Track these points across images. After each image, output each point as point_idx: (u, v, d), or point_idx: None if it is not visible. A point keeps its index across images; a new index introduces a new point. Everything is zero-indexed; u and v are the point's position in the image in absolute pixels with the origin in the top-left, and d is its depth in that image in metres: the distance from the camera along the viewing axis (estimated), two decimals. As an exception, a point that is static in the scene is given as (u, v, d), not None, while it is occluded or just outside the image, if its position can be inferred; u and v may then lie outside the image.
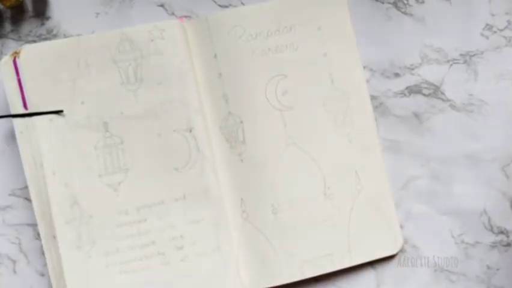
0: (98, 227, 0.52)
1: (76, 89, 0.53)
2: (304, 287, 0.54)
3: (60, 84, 0.52)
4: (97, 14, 0.55)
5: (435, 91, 0.56)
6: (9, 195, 0.54)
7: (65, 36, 0.54)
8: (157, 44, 0.53)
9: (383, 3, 0.56)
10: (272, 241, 0.53)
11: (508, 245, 0.55)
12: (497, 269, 0.55)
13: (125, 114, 0.53)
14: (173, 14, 0.55)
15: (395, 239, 0.55)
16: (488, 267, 0.55)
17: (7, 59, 0.52)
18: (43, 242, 0.52)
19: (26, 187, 0.53)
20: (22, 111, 0.52)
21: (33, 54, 0.52)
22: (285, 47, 0.55)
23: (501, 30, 0.56)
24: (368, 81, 0.56)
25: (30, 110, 0.52)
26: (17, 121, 0.52)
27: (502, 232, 0.55)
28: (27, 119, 0.52)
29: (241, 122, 0.54)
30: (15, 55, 0.52)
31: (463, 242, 0.55)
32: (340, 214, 0.54)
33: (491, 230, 0.56)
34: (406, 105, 0.56)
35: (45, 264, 0.53)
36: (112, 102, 0.53)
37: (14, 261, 0.54)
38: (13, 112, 0.52)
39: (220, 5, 0.55)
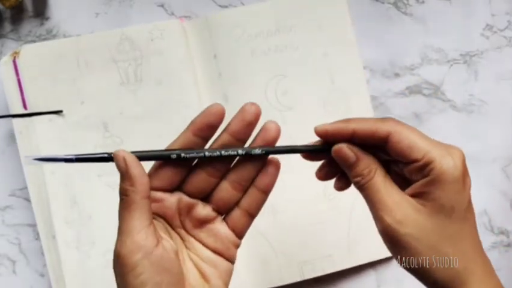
0: (97, 227, 0.52)
1: (76, 89, 0.53)
2: None
3: (60, 84, 0.52)
4: (97, 14, 0.55)
5: (435, 91, 0.56)
6: (9, 195, 0.54)
7: (65, 36, 0.54)
8: (156, 44, 0.53)
9: (383, 3, 0.56)
10: (272, 242, 0.53)
11: (509, 245, 0.55)
12: (497, 269, 0.55)
13: (125, 114, 0.53)
14: (173, 14, 0.55)
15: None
16: (489, 268, 0.55)
17: (7, 59, 0.52)
18: (43, 242, 0.52)
19: (26, 187, 0.53)
20: (22, 111, 0.52)
21: (33, 54, 0.52)
22: (285, 47, 0.55)
23: (501, 30, 0.56)
24: (368, 81, 0.56)
25: (29, 110, 0.52)
26: (16, 121, 0.52)
27: (502, 233, 0.55)
28: (26, 119, 0.52)
29: (241, 122, 0.54)
30: (15, 55, 0.52)
31: (463, 242, 0.55)
32: (340, 215, 0.54)
33: (492, 230, 0.55)
34: (406, 105, 0.56)
35: (45, 264, 0.53)
36: (112, 102, 0.53)
37: (14, 262, 0.54)
38: (12, 112, 0.52)
39: (220, 5, 0.55)
